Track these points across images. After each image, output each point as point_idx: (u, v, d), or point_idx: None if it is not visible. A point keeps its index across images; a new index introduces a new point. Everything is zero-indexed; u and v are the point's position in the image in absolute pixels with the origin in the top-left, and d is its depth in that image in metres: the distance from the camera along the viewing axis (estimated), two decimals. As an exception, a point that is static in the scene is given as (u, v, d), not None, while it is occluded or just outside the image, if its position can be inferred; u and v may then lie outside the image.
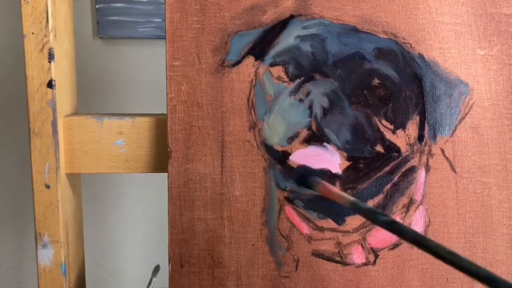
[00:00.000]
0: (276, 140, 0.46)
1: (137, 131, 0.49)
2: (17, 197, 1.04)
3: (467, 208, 0.47)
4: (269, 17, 0.46)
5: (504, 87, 0.47)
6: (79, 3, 0.98)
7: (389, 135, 0.46)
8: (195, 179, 0.47)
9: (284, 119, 0.46)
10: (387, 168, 0.46)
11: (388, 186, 0.46)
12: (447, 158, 0.46)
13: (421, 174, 0.46)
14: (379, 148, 0.46)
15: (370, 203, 0.46)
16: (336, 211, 0.46)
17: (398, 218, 0.47)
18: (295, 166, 0.46)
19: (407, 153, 0.46)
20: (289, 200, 0.46)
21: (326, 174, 0.46)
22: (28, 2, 0.46)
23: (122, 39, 0.99)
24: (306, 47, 0.46)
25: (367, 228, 0.47)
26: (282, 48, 0.46)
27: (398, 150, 0.46)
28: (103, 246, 1.09)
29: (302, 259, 0.47)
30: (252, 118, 0.46)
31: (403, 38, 0.46)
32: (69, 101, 0.51)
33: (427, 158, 0.46)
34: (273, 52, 0.46)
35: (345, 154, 0.46)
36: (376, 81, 0.46)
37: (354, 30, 0.46)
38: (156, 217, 1.07)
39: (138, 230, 1.08)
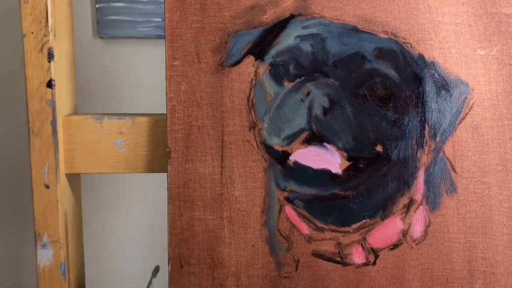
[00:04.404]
0: (276, 140, 0.46)
1: (137, 131, 0.49)
2: (17, 197, 1.04)
3: (467, 208, 0.47)
4: (269, 16, 0.46)
5: (504, 87, 0.47)
6: (79, 3, 0.98)
7: (389, 135, 0.46)
8: (194, 179, 0.47)
9: (284, 119, 0.46)
10: (387, 168, 0.46)
11: (388, 186, 0.46)
12: (447, 158, 0.46)
13: (421, 174, 0.46)
14: (379, 148, 0.46)
15: (370, 203, 0.46)
16: (336, 213, 0.46)
17: (398, 218, 0.47)
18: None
19: (407, 153, 0.46)
20: (289, 200, 0.46)
21: (326, 174, 0.46)
22: (27, 1, 0.46)
23: (122, 38, 0.99)
24: (306, 47, 0.46)
25: (367, 229, 0.47)
26: (282, 47, 0.46)
27: (398, 150, 0.46)
28: (103, 246, 1.08)
29: (302, 260, 0.47)
30: (252, 118, 0.46)
31: (404, 38, 0.46)
32: (69, 101, 0.51)
33: (427, 158, 0.46)
34: (273, 51, 0.46)
35: (345, 154, 0.46)
36: (376, 81, 0.46)
37: (355, 30, 0.46)
38: (156, 217, 1.07)
39: (138, 230, 1.08)
